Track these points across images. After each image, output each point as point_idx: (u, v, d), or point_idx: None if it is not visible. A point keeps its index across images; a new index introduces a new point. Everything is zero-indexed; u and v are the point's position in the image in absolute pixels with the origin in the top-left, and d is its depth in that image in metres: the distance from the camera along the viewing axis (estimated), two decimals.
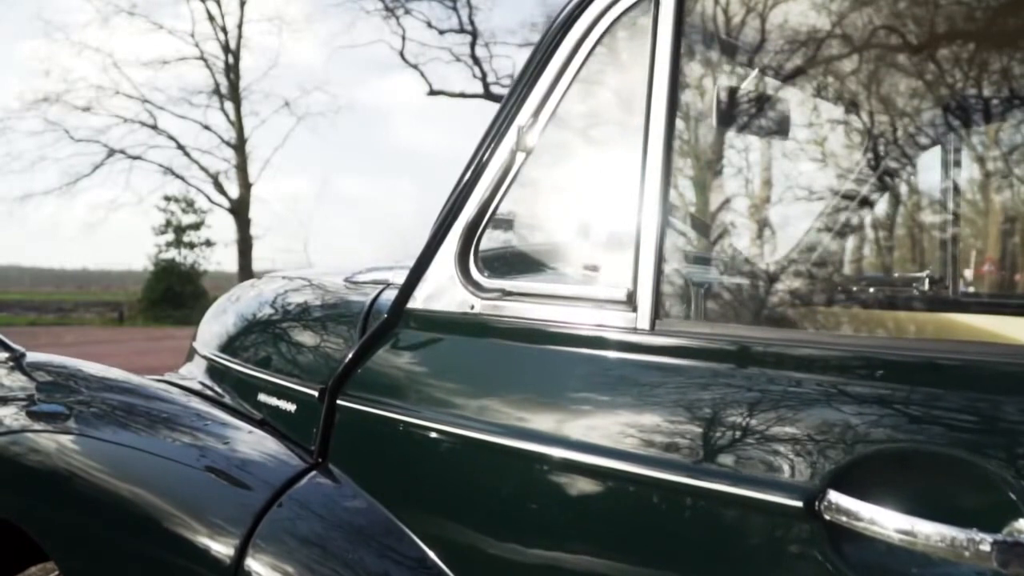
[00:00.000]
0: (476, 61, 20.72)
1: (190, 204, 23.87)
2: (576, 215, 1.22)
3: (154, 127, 23.65)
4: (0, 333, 1.78)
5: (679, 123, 1.09)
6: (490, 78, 20.79)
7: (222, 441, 1.40)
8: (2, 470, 1.50)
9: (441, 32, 20.93)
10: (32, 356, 1.77)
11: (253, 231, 23.65)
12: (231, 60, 23.93)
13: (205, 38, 28.00)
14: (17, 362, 1.75)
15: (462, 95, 21.78)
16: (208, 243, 23.81)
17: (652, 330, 1.04)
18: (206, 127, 23.94)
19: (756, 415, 0.91)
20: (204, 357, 1.87)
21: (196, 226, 23.82)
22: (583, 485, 1.03)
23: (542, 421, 1.07)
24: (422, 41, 21.98)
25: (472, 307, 1.23)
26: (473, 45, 20.62)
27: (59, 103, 23.27)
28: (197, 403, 1.57)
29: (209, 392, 1.69)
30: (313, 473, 1.31)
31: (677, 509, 0.94)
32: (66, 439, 1.46)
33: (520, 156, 1.20)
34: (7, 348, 1.76)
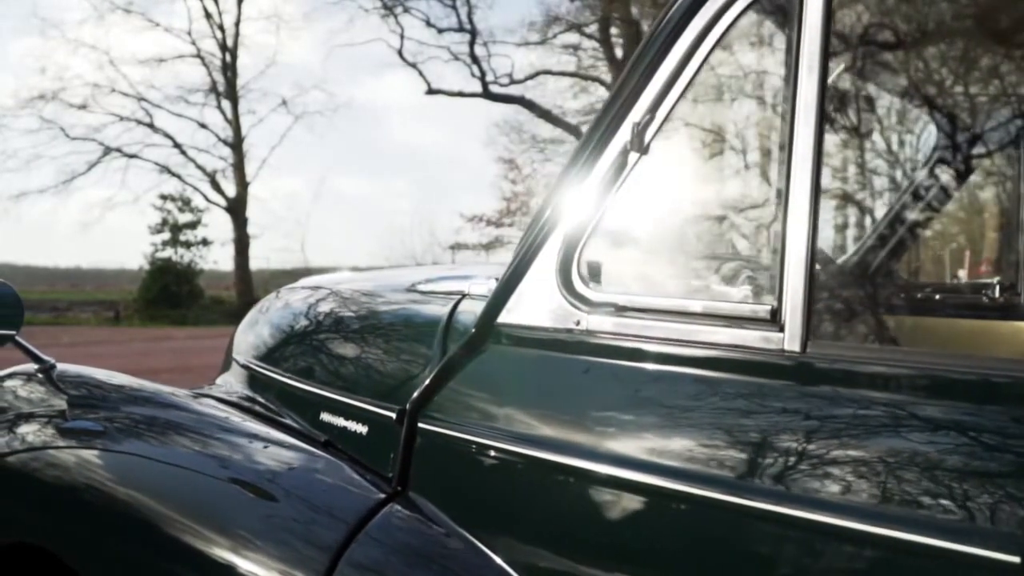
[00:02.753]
0: (475, 60, 20.63)
1: (187, 203, 23.76)
2: (705, 220, 1.10)
3: (150, 125, 23.54)
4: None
5: (829, 117, 0.97)
6: (488, 77, 20.71)
7: (287, 467, 1.27)
8: (33, 490, 1.37)
9: (440, 31, 20.85)
10: (63, 367, 1.66)
11: (250, 230, 23.54)
12: (228, 58, 23.81)
13: (202, 36, 27.89)
14: (47, 374, 1.64)
15: (460, 94, 21.67)
16: (205, 242, 23.69)
17: (803, 352, 0.92)
18: (203, 125, 23.83)
19: (941, 455, 0.79)
20: (248, 369, 1.73)
21: (193, 225, 23.70)
22: (715, 527, 0.90)
23: (664, 452, 0.95)
24: (420, 40, 21.82)
25: (577, 323, 1.11)
26: (472, 44, 20.53)
27: (55, 101, 23.16)
28: (253, 423, 1.43)
29: (259, 409, 1.56)
30: (393, 504, 1.18)
31: (853, 561, 0.81)
32: (108, 460, 1.33)
33: (634, 156, 1.08)
34: (37, 359, 1.66)
